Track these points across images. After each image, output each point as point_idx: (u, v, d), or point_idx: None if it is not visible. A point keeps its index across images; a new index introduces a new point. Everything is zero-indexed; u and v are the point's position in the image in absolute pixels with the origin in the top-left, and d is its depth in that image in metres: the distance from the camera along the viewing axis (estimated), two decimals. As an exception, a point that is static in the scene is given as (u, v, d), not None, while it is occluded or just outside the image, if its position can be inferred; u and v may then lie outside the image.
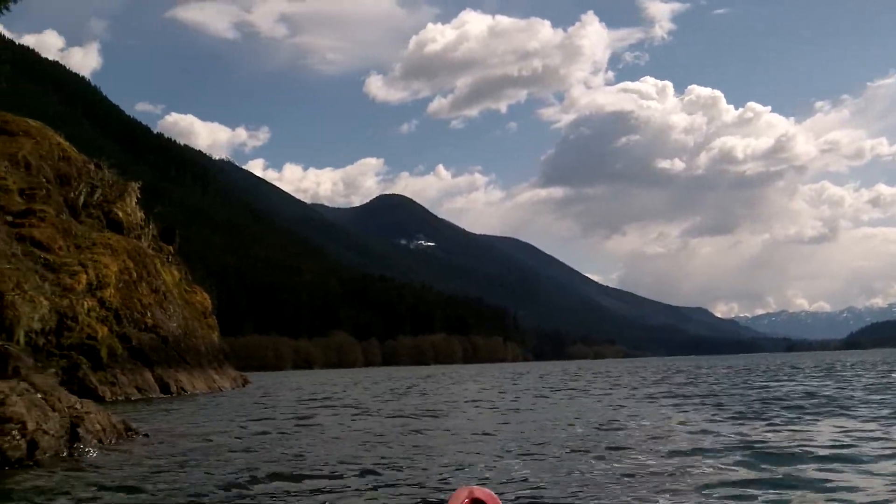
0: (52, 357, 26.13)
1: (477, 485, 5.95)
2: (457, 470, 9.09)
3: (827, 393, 21.46)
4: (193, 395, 32.30)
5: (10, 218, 29.65)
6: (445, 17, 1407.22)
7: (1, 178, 30.58)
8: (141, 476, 9.06)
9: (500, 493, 6.17)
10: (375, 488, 8.02)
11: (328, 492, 7.94)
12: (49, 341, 26.60)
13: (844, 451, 9.82)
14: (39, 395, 10.93)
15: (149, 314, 34.23)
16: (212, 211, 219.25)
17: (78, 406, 11.90)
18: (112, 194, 39.59)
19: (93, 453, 10.97)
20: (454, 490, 5.40)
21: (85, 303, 29.36)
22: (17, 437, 9.66)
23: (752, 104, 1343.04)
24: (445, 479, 8.48)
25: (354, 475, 8.83)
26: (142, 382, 30.49)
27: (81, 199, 36.30)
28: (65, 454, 10.65)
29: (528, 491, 7.69)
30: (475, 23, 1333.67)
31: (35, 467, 9.63)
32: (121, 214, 39.04)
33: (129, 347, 31.07)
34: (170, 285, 39.98)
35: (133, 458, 10.62)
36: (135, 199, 41.61)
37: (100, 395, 26.75)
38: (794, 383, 28.25)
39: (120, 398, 27.97)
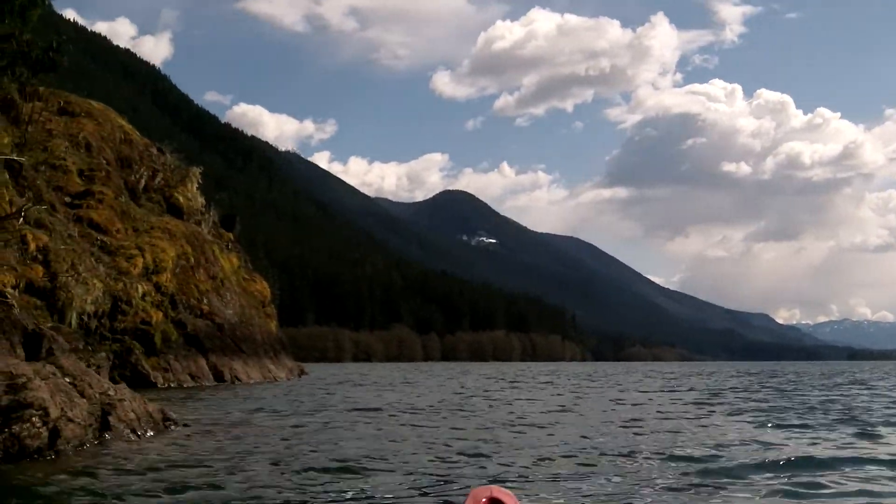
0: (104, 341, 25.81)
1: (496, 484, 5.99)
2: (479, 468, 8.74)
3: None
4: (247, 384, 31.80)
5: (68, 199, 29.45)
6: (514, 15, 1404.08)
7: (60, 158, 30.39)
8: (161, 471, 8.27)
9: (519, 493, 6.13)
10: (400, 483, 7.77)
11: (352, 489, 7.51)
12: (102, 325, 26.28)
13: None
14: (67, 380, 10.21)
15: (205, 301, 33.84)
16: (277, 201, 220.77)
17: (111, 392, 11.19)
18: (173, 179, 39.34)
19: (122, 444, 10.25)
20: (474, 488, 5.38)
21: (140, 287, 28.99)
22: (38, 425, 8.90)
23: (821, 110, 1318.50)
24: (467, 476, 8.14)
25: (384, 470, 8.54)
26: (195, 369, 30.06)
27: (142, 182, 36.07)
28: (92, 444, 9.90)
29: (544, 493, 7.31)
30: (544, 21, 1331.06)
31: (55, 458, 8.90)
32: (181, 199, 38.75)
33: (184, 334, 30.68)
34: (228, 272, 39.58)
35: (160, 450, 9.85)
36: (196, 185, 41.31)
37: (152, 380, 26.42)
38: (865, 394, 26.59)
39: (172, 385, 27.58)
